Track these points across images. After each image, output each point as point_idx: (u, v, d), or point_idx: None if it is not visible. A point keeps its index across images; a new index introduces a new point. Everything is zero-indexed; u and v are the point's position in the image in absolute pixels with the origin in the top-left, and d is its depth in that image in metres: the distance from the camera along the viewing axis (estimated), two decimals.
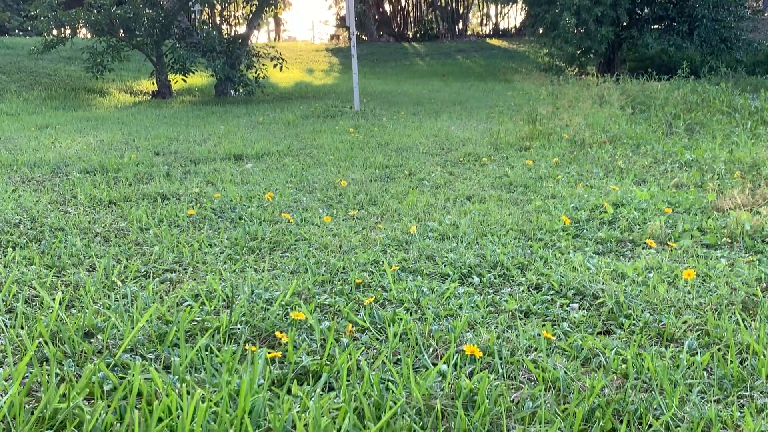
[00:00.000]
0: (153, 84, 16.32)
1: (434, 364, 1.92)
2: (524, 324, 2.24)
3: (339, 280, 2.69)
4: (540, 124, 7.85)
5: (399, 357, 1.97)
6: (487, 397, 1.65)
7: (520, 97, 13.90)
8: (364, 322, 2.21)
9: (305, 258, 2.99)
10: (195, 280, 2.71)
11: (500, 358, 1.95)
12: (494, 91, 16.76)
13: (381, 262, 2.90)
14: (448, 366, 1.83)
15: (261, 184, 4.86)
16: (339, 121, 10.01)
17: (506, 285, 2.67)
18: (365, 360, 1.93)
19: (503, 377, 1.85)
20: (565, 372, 1.84)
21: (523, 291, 2.57)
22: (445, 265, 2.87)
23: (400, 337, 2.10)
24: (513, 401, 1.70)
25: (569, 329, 2.19)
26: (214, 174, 5.28)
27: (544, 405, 1.66)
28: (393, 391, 1.67)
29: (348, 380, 1.77)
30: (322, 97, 15.33)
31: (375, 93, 16.19)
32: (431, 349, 2.03)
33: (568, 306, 2.41)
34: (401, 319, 2.22)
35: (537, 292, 2.55)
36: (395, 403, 1.62)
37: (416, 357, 1.97)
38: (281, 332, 2.10)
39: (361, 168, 5.61)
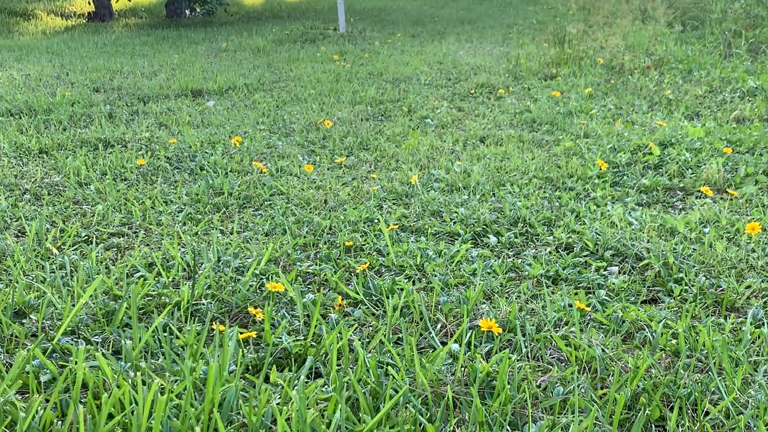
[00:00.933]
0: (89, 4, 16.03)
1: (443, 344, 1.92)
2: (552, 293, 2.25)
3: (325, 243, 2.68)
4: (569, 47, 7.78)
5: (400, 335, 1.97)
6: (509, 382, 1.66)
7: (545, 12, 13.74)
8: (357, 293, 2.21)
9: (283, 216, 2.98)
10: (148, 245, 2.70)
11: (523, 335, 1.95)
12: (512, 5, 16.55)
13: (376, 220, 2.90)
14: (461, 345, 1.83)
15: (226, 126, 4.82)
16: (320, 46, 9.91)
17: (530, 245, 2.66)
18: (359, 340, 1.93)
19: (527, 357, 1.86)
20: (603, 350, 1.84)
21: (550, 252, 2.57)
22: (454, 223, 2.86)
23: (401, 311, 2.10)
24: (540, 386, 1.71)
25: (607, 298, 2.20)
26: (167, 114, 5.23)
27: (578, 390, 1.66)
28: (393, 377, 1.67)
29: (338, 364, 1.77)
30: (299, 16, 15.11)
31: (365, 10, 15.97)
32: (439, 326, 2.03)
33: (605, 270, 2.42)
34: (402, 290, 2.22)
35: (567, 254, 2.55)
36: (396, 392, 1.63)
37: (421, 335, 1.98)
38: (255, 308, 2.10)
39: (349, 104, 5.57)
